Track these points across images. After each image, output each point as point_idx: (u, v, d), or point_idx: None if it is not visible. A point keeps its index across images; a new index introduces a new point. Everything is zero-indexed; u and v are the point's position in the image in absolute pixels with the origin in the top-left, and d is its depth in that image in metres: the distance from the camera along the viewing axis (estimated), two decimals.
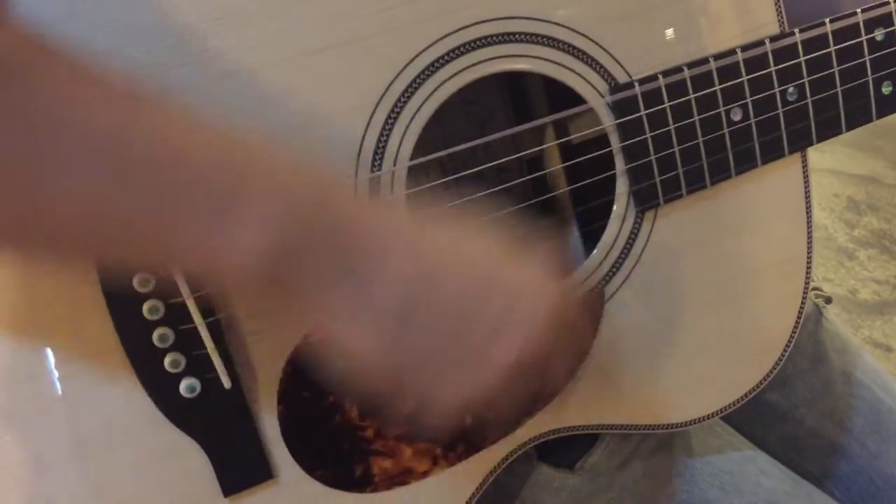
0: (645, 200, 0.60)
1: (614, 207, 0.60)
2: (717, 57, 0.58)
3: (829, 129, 0.62)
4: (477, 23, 0.55)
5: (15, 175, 0.38)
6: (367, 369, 0.45)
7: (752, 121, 0.60)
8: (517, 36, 0.56)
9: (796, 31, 0.59)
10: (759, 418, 0.79)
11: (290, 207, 0.42)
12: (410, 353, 0.45)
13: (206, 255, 0.42)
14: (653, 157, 0.59)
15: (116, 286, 0.51)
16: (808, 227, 0.64)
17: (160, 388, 0.53)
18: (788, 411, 0.78)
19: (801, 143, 0.62)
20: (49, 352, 0.52)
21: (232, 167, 0.42)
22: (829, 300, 0.84)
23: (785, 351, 0.66)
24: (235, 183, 0.41)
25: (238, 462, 0.55)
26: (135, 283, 0.51)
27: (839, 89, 0.61)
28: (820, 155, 2.20)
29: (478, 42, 0.55)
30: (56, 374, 0.52)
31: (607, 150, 0.59)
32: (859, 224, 2.01)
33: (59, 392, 0.52)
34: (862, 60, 0.61)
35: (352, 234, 0.43)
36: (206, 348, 0.53)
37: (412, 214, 0.47)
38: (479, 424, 0.49)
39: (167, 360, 0.52)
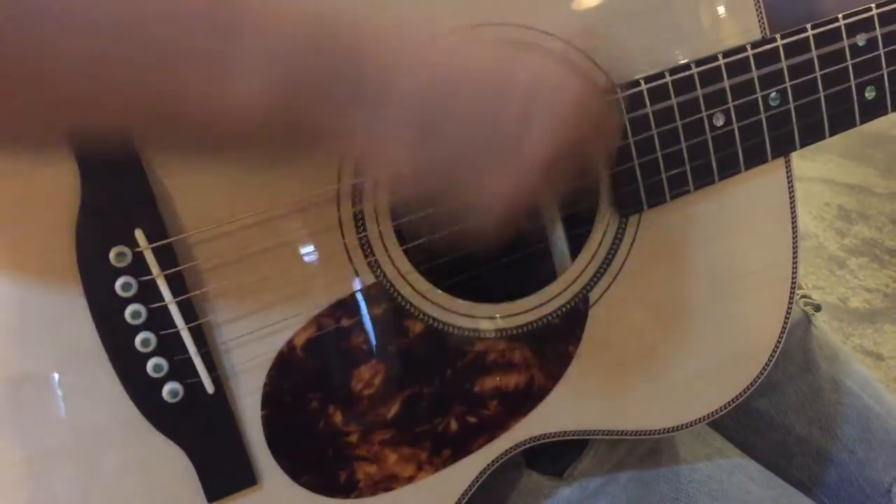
0: (628, 206, 0.60)
1: (598, 212, 0.61)
2: (699, 63, 0.58)
3: (812, 135, 0.62)
4: (458, 29, 0.55)
5: (13, 35, 0.37)
6: (409, 183, 0.45)
7: (735, 126, 0.60)
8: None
9: (778, 36, 0.60)
10: (748, 425, 0.78)
11: (287, 41, 0.41)
12: (444, 160, 0.44)
13: (211, 107, 0.41)
14: (636, 163, 0.59)
15: (98, 289, 0.51)
16: (793, 232, 0.64)
17: (143, 393, 0.53)
18: (777, 419, 0.78)
19: (784, 148, 0.62)
20: (33, 357, 0.51)
21: (226, 5, 0.41)
22: (818, 308, 0.84)
23: (772, 356, 0.66)
24: (230, 22, 0.40)
25: (222, 467, 0.55)
26: (117, 287, 0.51)
27: (822, 94, 0.61)
28: (811, 164, 2.21)
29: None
30: (40, 379, 0.52)
31: None
32: (850, 233, 2.02)
33: (43, 397, 0.52)
34: (844, 65, 0.61)
35: (355, 57, 0.42)
36: (188, 353, 0.53)
37: (414, 31, 0.46)
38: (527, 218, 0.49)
39: (150, 365, 0.52)
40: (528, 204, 0.46)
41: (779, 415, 0.78)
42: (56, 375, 0.52)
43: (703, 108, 0.59)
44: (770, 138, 0.61)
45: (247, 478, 0.56)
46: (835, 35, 0.60)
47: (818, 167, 2.21)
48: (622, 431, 0.64)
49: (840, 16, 0.60)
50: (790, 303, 0.65)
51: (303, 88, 0.41)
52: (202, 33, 0.40)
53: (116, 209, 0.51)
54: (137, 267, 0.51)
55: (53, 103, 0.40)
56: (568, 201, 0.63)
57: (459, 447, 0.60)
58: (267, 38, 0.41)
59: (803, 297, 0.83)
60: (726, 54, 0.59)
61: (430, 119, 0.43)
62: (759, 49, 0.59)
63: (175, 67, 0.40)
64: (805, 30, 0.60)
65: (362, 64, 0.42)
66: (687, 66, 0.58)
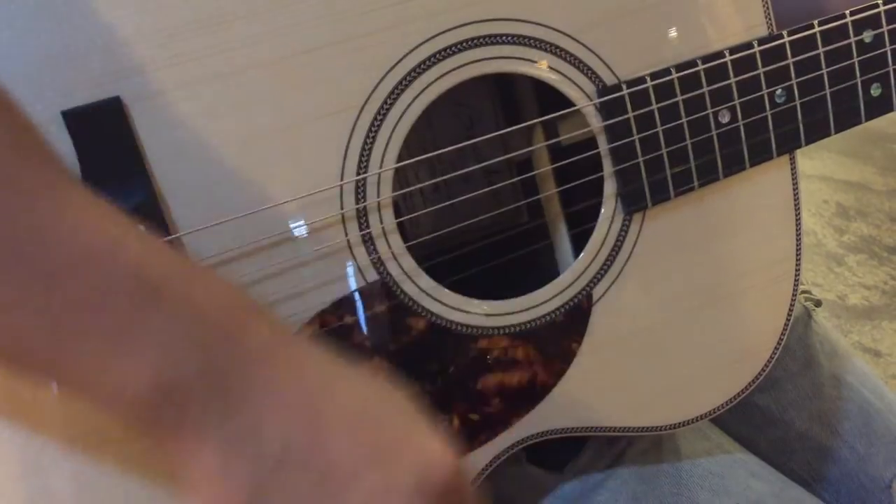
0: (633, 203, 0.60)
1: (602, 209, 0.60)
2: (705, 59, 0.58)
3: (817, 132, 0.62)
4: (464, 24, 0.55)
5: None
6: None
7: (741, 123, 0.60)
8: (504, 38, 0.56)
9: (784, 32, 0.59)
10: (748, 421, 0.79)
11: (192, 341, 0.39)
12: None
13: (93, 378, 0.38)
14: (640, 160, 0.58)
15: None
16: (796, 229, 0.64)
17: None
18: (778, 414, 0.78)
19: (789, 145, 0.62)
20: None
21: (147, 279, 0.38)
22: (818, 303, 0.84)
23: (774, 353, 0.66)
24: (145, 298, 0.38)
25: None
26: None
27: (828, 91, 0.61)
28: (810, 161, 2.21)
29: (464, 44, 0.55)
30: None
31: (595, 151, 0.59)
32: (849, 230, 2.02)
33: (48, 392, 0.51)
34: (851, 62, 0.61)
35: (249, 378, 0.40)
36: None
37: (320, 366, 0.43)
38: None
39: None
40: None
41: (779, 410, 0.78)
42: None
43: (708, 104, 0.59)
44: (775, 135, 0.61)
45: None
46: (841, 32, 0.60)
47: (817, 164, 2.22)
48: (624, 428, 0.64)
49: (847, 12, 0.60)
50: (793, 300, 0.65)
51: (186, 389, 0.39)
52: (119, 302, 0.38)
53: (116, 206, 0.50)
54: None
55: None
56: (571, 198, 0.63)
57: (462, 444, 0.60)
58: (173, 331, 0.38)
59: (804, 292, 0.84)
60: (733, 51, 0.59)
61: (286, 466, 0.40)
62: (766, 46, 0.59)
63: (71, 334, 0.37)
64: (812, 26, 0.60)
65: (253, 388, 0.40)
66: (693, 63, 0.58)
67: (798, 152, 0.63)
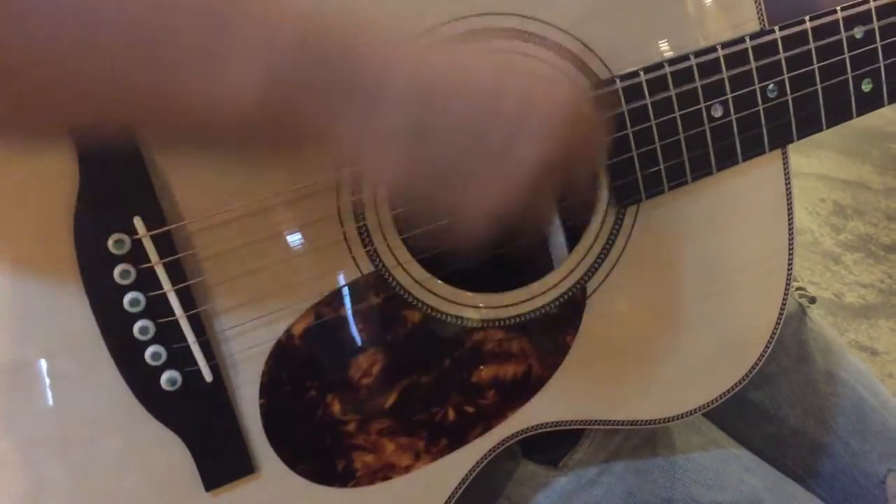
0: (626, 196, 0.60)
1: (596, 203, 0.61)
2: (698, 54, 0.59)
3: (809, 126, 0.62)
4: (457, 19, 0.55)
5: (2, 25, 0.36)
6: (400, 187, 0.45)
7: (733, 117, 0.60)
8: (498, 32, 0.56)
9: (776, 28, 0.60)
10: (743, 417, 0.79)
11: (279, 37, 0.40)
12: (432, 167, 0.44)
13: (202, 98, 0.40)
14: (634, 153, 0.59)
15: (96, 277, 0.51)
16: (789, 223, 0.64)
17: (141, 381, 0.53)
18: (772, 410, 0.79)
19: (781, 139, 0.62)
20: (30, 345, 0.51)
21: None
22: (813, 300, 0.84)
23: (767, 347, 0.66)
24: (222, 11, 0.39)
25: (220, 456, 0.55)
26: (115, 274, 0.51)
27: (819, 86, 0.61)
28: (807, 160, 2.21)
29: (458, 39, 0.55)
30: (37, 366, 0.52)
31: None
32: (845, 228, 2.03)
33: (40, 384, 0.52)
34: (842, 58, 0.61)
35: (349, 58, 0.42)
36: (187, 341, 0.53)
37: (410, 35, 0.46)
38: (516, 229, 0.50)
39: (148, 353, 0.52)
40: (515, 213, 0.46)
41: (774, 406, 0.79)
42: (53, 363, 0.52)
43: (701, 99, 0.59)
44: (767, 130, 0.61)
45: (244, 466, 0.56)
46: (833, 27, 0.61)
47: (814, 163, 2.22)
48: (618, 421, 0.65)
49: (838, 8, 0.60)
50: (786, 294, 0.66)
51: (293, 85, 0.41)
52: (194, 21, 0.39)
53: (115, 197, 0.51)
54: (136, 255, 0.51)
55: (45, 92, 0.39)
56: (565, 192, 0.63)
57: (456, 437, 0.60)
58: (259, 31, 0.40)
59: (798, 289, 0.84)
60: (725, 45, 0.59)
61: (422, 126, 0.43)
62: (758, 40, 0.59)
63: (165, 55, 0.39)
64: (803, 22, 0.60)
65: (356, 66, 0.42)
66: (686, 57, 0.58)
67: (795, 151, 0.64)
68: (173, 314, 0.52)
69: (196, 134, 0.44)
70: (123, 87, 0.40)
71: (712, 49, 0.59)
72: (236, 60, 0.39)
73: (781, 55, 0.60)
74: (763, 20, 0.60)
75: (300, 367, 0.56)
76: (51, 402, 0.52)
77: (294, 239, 0.55)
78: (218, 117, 0.41)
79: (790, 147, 0.64)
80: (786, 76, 0.60)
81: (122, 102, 0.41)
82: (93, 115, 0.42)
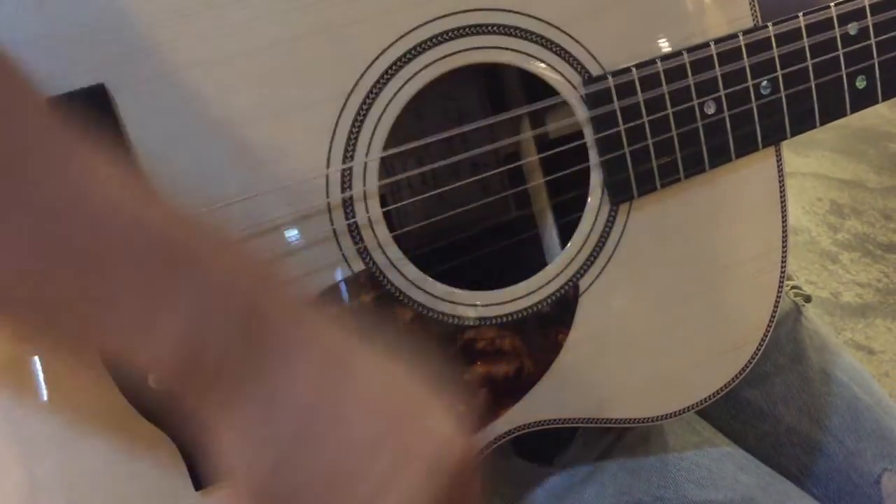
0: (619, 193, 0.60)
1: (588, 200, 0.60)
2: (691, 50, 0.58)
3: (803, 123, 0.62)
4: (449, 14, 0.55)
5: None
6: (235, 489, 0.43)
7: (726, 114, 0.60)
8: (489, 28, 0.56)
9: (770, 24, 0.60)
10: (737, 416, 0.79)
11: (221, 306, 0.39)
12: (280, 493, 0.41)
13: (123, 343, 0.39)
14: (626, 150, 0.59)
15: None
16: (782, 221, 0.64)
17: (129, 380, 0.52)
18: (767, 409, 0.78)
19: (775, 136, 0.62)
20: (20, 345, 0.51)
21: (173, 242, 0.39)
22: (808, 298, 0.84)
23: (760, 345, 0.66)
24: (172, 261, 0.39)
25: (209, 455, 0.55)
26: None
27: (813, 83, 0.61)
28: (804, 159, 2.21)
29: (449, 34, 0.55)
30: (25, 364, 0.51)
31: (581, 142, 0.59)
32: (842, 228, 2.03)
33: (28, 383, 0.51)
34: (836, 54, 0.61)
35: (274, 347, 0.41)
36: None
37: (340, 340, 0.44)
38: None
39: None
40: None
41: (768, 405, 0.78)
42: (41, 362, 0.51)
43: (694, 96, 0.59)
44: (761, 127, 0.61)
45: None
46: (826, 24, 0.60)
47: (811, 162, 2.22)
48: (611, 420, 0.64)
49: (832, 4, 0.60)
50: (779, 292, 0.65)
51: (213, 355, 0.39)
52: (148, 264, 0.38)
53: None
54: None
55: None
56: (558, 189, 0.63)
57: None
58: (200, 298, 0.39)
59: (793, 287, 0.84)
60: (718, 42, 0.59)
61: (302, 440, 0.41)
62: (751, 37, 0.59)
63: (103, 299, 0.38)
64: (797, 18, 0.60)
65: (276, 358, 0.41)
66: (678, 54, 0.58)
67: (791, 150, 0.64)
68: None
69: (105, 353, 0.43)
70: (67, 310, 0.39)
71: (705, 45, 0.59)
72: (175, 314, 0.38)
73: (775, 52, 0.60)
74: (756, 16, 0.60)
75: None
76: (39, 403, 0.52)
77: (283, 236, 0.54)
78: (136, 353, 0.40)
79: (785, 144, 0.63)
80: (779, 73, 0.60)
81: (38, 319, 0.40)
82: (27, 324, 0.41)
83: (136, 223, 0.38)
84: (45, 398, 0.52)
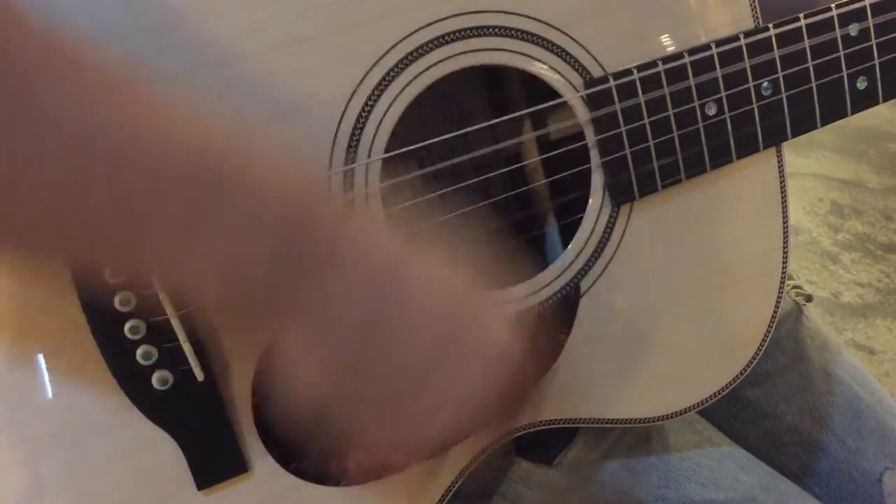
0: (620, 195, 0.60)
1: (590, 201, 0.60)
2: (692, 52, 0.58)
3: (804, 124, 0.62)
4: (451, 16, 0.55)
5: None
6: (309, 396, 0.43)
7: (727, 115, 0.60)
8: (491, 30, 0.56)
9: (770, 25, 0.60)
10: (738, 415, 0.79)
11: (259, 225, 0.39)
12: (349, 396, 0.43)
13: (172, 266, 0.40)
14: (627, 151, 0.59)
15: (88, 279, 0.51)
16: (783, 221, 0.64)
17: (132, 381, 0.53)
18: (768, 408, 0.78)
19: (776, 137, 0.62)
20: (21, 343, 0.51)
21: (206, 167, 0.39)
22: (809, 298, 0.84)
23: (762, 345, 0.66)
24: (207, 189, 0.39)
25: (212, 455, 0.55)
26: (106, 274, 0.51)
27: (814, 84, 0.61)
28: (804, 159, 2.21)
29: (452, 35, 0.55)
30: (28, 365, 0.51)
31: (582, 143, 0.59)
32: (843, 228, 2.03)
33: (32, 384, 0.52)
34: (836, 55, 0.61)
35: (325, 256, 0.41)
36: (178, 340, 0.53)
37: (390, 243, 0.44)
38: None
39: (139, 352, 0.52)
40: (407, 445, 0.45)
41: (769, 405, 0.78)
42: (44, 362, 0.51)
43: (695, 97, 0.59)
44: (762, 128, 0.61)
45: (237, 465, 0.56)
46: (827, 25, 0.60)
47: (811, 163, 2.22)
48: (612, 420, 0.65)
49: (833, 5, 0.60)
50: (780, 292, 0.66)
51: (261, 276, 0.40)
52: (178, 197, 0.39)
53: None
54: None
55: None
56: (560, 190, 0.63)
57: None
58: (238, 219, 0.39)
59: (794, 287, 0.84)
60: (719, 43, 0.59)
61: (366, 347, 0.42)
62: (752, 38, 0.59)
63: (144, 223, 0.38)
64: (798, 19, 0.60)
65: (331, 265, 0.41)
66: (679, 55, 0.58)
67: (792, 150, 0.64)
68: (164, 314, 0.52)
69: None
70: (111, 240, 0.40)
71: (706, 47, 0.59)
72: (216, 237, 0.39)
73: (776, 53, 0.60)
74: (757, 17, 0.60)
75: None
76: (41, 402, 0.52)
77: None
78: (188, 277, 0.40)
79: (786, 144, 0.63)
80: (780, 74, 0.60)
81: (105, 250, 0.41)
82: (78, 255, 0.42)
83: (169, 140, 0.39)
84: (50, 396, 0.52)
